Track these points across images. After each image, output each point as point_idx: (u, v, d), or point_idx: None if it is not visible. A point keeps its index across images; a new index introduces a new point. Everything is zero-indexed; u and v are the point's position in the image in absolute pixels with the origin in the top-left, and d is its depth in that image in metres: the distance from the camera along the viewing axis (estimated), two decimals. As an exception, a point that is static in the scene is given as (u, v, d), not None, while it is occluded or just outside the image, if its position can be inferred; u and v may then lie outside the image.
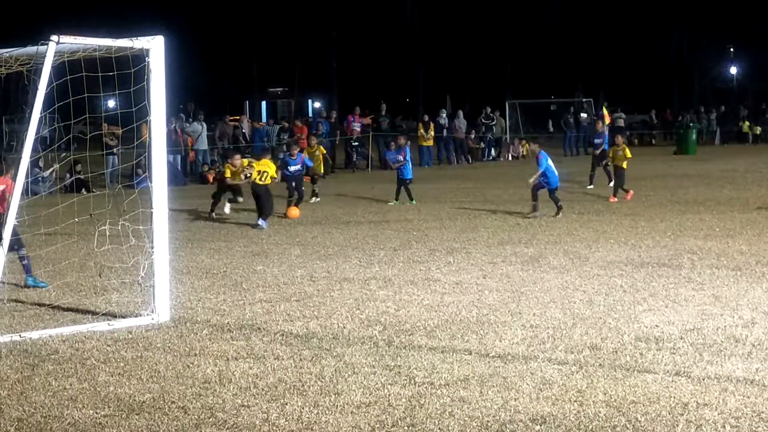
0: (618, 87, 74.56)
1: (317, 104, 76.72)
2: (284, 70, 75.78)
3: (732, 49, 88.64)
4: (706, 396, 7.63)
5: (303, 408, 7.62)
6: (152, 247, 10.84)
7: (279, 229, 19.03)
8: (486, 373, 8.43)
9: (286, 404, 7.72)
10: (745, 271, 13.28)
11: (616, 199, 23.15)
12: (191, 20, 66.94)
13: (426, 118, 43.72)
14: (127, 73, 10.76)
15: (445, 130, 44.53)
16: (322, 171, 29.15)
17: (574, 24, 76.94)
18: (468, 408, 7.52)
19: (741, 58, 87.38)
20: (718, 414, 7.20)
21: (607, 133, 34.01)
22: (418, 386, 8.10)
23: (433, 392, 7.93)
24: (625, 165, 24.22)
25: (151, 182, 10.81)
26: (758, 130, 60.27)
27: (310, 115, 67.07)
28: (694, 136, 50.41)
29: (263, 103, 77.39)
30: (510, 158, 46.76)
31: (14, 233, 10.88)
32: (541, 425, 7.11)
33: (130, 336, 10.07)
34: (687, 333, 9.74)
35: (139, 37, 10.61)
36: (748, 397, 7.55)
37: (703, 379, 8.08)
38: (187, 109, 40.67)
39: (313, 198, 24.57)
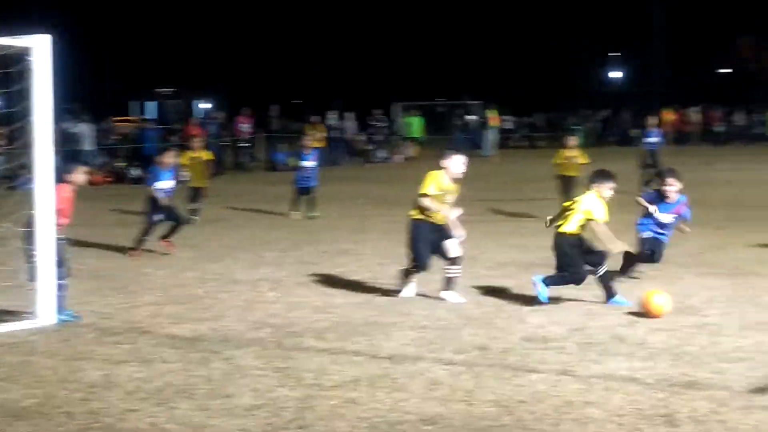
0: (506, 90, 75.38)
1: (206, 105, 76.05)
2: (173, 70, 75.00)
3: (617, 54, 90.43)
4: (591, 394, 7.77)
5: (191, 411, 7.55)
6: (35, 250, 10.61)
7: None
8: (375, 375, 8.46)
9: (174, 408, 7.64)
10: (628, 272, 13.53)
11: None
12: (77, 19, 65.80)
13: (315, 119, 43.67)
14: (13, 71, 10.52)
15: (334, 132, 44.54)
16: (205, 184, 21.12)
17: (464, 27, 77.61)
18: (358, 409, 7.54)
19: (625, 62, 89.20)
20: (602, 412, 7.34)
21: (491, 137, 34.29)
22: (308, 388, 8.09)
23: (323, 394, 7.93)
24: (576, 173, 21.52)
25: (34, 183, 10.59)
26: (639, 133, 61.59)
27: (199, 116, 66.46)
28: (582, 139, 51.20)
29: (151, 104, 76.40)
30: (400, 159, 46.94)
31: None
32: (430, 425, 7.16)
33: (13, 340, 9.87)
34: (573, 333, 9.91)
35: (23, 36, 10.39)
36: (631, 395, 7.71)
37: (588, 378, 8.23)
38: (72, 110, 39.93)
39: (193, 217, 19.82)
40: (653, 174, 26.05)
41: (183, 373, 8.60)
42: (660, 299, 10.54)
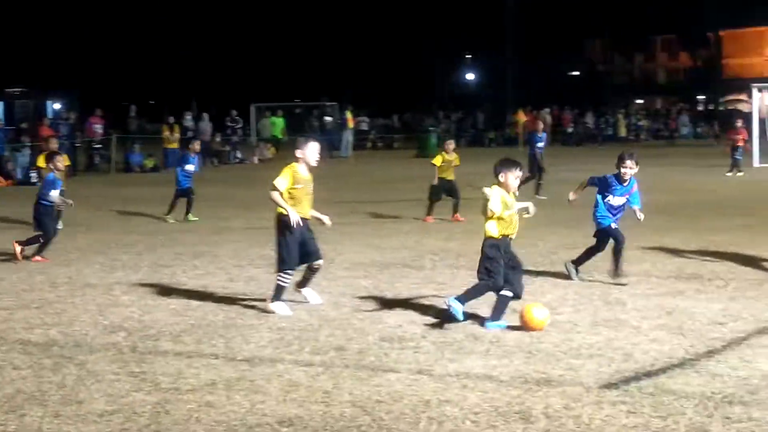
0: (362, 92, 75.76)
1: (57, 105, 74.39)
2: (23, 69, 73.11)
3: (469, 57, 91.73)
4: (447, 393, 7.85)
5: (43, 418, 7.37)
6: None
7: (17, 235, 18.33)
8: (233, 377, 8.40)
9: (25, 415, 7.45)
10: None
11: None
12: None
13: (171, 119, 43.15)
14: None
15: (190, 132, 44.08)
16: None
17: (320, 28, 77.66)
18: (215, 413, 7.47)
19: (479, 65, 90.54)
20: (459, 410, 7.42)
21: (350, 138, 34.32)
22: (164, 392, 7.98)
23: (179, 398, 7.83)
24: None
25: None
26: (492, 134, 62.77)
27: (50, 116, 64.94)
28: (434, 140, 51.78)
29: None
30: (257, 161, 46.76)
31: None
32: (288, 427, 7.14)
33: None
34: (429, 332, 9.99)
35: None
36: (487, 393, 7.81)
37: (445, 377, 8.31)
38: None
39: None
40: (537, 177, 26.39)
41: (34, 380, 8.39)
42: (538, 312, 10.19)
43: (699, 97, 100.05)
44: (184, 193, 21.23)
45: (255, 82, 75.36)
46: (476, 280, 10.39)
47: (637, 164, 12.93)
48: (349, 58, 79.36)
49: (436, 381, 8.19)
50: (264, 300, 11.40)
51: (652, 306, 11.11)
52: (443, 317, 10.34)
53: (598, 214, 13.01)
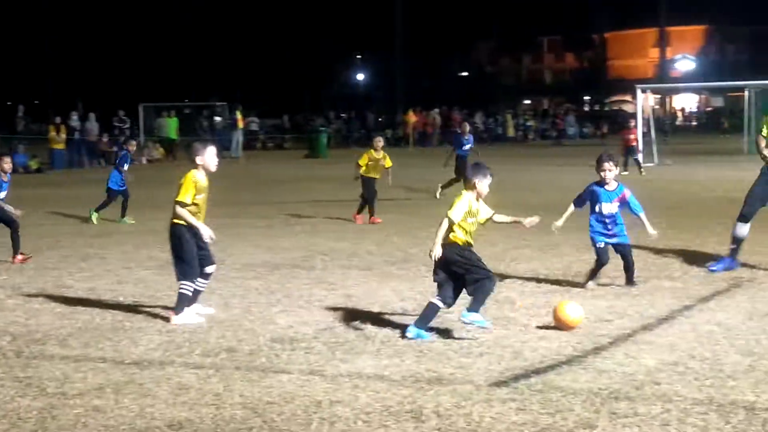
0: (252, 92, 75.40)
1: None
2: None
3: (359, 57, 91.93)
4: (339, 393, 7.85)
5: (-76, 427, 7.17)
6: None
7: None
8: (121, 381, 8.28)
9: None
10: (374, 271, 13.79)
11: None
12: None
13: (57, 120, 42.41)
14: None
15: (77, 133, 43.39)
16: None
17: (208, 28, 77.05)
18: (102, 417, 7.36)
19: (369, 65, 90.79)
20: (350, 410, 7.42)
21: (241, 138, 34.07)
22: (50, 397, 7.83)
23: (66, 403, 7.69)
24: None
25: None
26: (389, 134, 63.10)
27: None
28: (324, 140, 51.86)
29: None
30: (145, 162, 46.22)
31: None
32: (177, 431, 7.06)
33: None
34: (320, 332, 9.98)
35: None
36: (378, 393, 7.83)
37: (336, 377, 8.31)
38: None
39: None
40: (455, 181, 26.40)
41: None
42: (572, 310, 10.02)
43: (585, 97, 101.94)
44: (124, 194, 20.75)
45: (143, 81, 74.40)
46: (368, 281, 10.38)
47: (616, 165, 12.57)
48: (238, 58, 78.84)
49: (328, 381, 8.18)
50: (168, 308, 11.25)
51: (540, 304, 11.25)
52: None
53: (591, 232, 12.49)
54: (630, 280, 12.40)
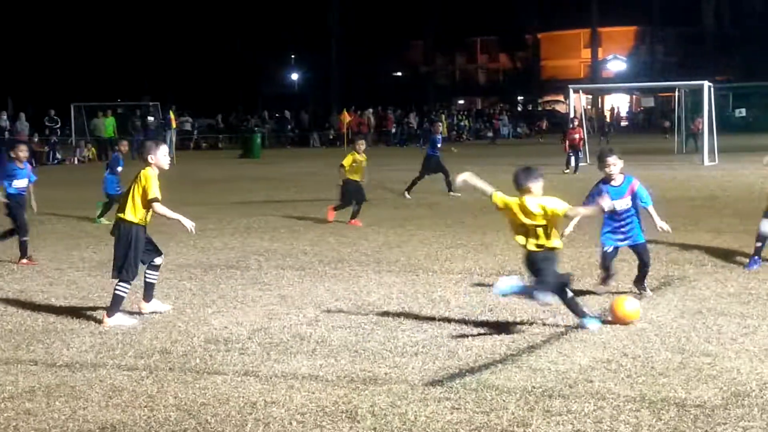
0: (185, 91, 74.89)
1: None
2: None
3: (294, 57, 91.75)
4: (274, 394, 7.82)
5: None
6: None
7: None
8: (53, 383, 8.18)
9: None
10: (308, 271, 13.77)
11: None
12: None
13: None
14: None
15: (6, 133, 42.83)
16: None
17: (141, 27, 76.41)
18: (34, 420, 7.26)
19: (304, 65, 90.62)
20: (285, 411, 7.40)
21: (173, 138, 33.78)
22: (-20, 401, 7.72)
23: (-4, 406, 7.59)
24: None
25: None
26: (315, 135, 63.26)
27: None
28: (259, 140, 51.73)
29: None
30: (76, 162, 45.77)
31: None
32: (110, 433, 7.00)
33: None
34: (255, 333, 9.94)
35: None
36: (313, 393, 7.82)
37: (271, 378, 8.28)
38: None
39: None
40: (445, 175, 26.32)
41: None
42: (630, 305, 10.05)
43: (518, 97, 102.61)
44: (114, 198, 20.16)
45: (74, 81, 73.52)
46: (302, 281, 10.34)
47: (620, 158, 11.60)
48: (171, 57, 78.25)
49: (263, 382, 8.15)
50: (101, 310, 11.13)
51: (474, 303, 11.30)
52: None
53: (602, 234, 11.70)
54: (640, 281, 11.74)
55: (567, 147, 35.60)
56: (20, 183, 15.32)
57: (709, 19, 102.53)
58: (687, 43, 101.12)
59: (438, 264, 14.28)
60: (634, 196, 11.41)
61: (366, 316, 10.67)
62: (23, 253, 14.91)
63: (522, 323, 10.18)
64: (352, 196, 19.67)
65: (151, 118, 53.78)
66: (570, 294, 9.99)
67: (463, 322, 10.34)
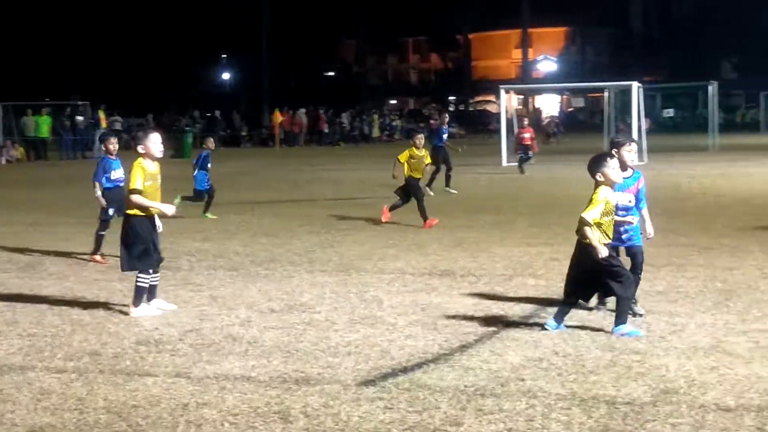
0: (115, 90, 74.14)
1: None
2: None
3: (225, 56, 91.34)
4: (206, 395, 7.77)
5: None
6: None
7: None
8: (-20, 387, 8.06)
9: None
10: (241, 271, 13.71)
11: None
12: None
13: None
14: None
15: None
16: None
17: (70, 25, 75.55)
18: (-40, 425, 7.15)
19: (235, 64, 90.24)
20: (217, 412, 7.36)
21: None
22: None
23: None
24: None
25: None
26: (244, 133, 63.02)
27: None
28: (190, 140, 51.45)
29: None
30: (4, 162, 45.14)
31: None
32: (39, 437, 6.91)
33: None
34: (186, 334, 9.87)
35: None
36: (246, 394, 7.78)
37: (203, 379, 8.22)
38: None
39: None
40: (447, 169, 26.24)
41: None
42: None
43: (450, 97, 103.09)
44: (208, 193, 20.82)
45: (1, 79, 72.47)
46: (235, 282, 10.29)
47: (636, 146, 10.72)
48: (101, 55, 77.47)
49: (194, 384, 8.10)
50: (27, 312, 10.97)
51: (407, 303, 11.32)
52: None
53: None
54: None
55: (517, 147, 35.47)
56: (116, 174, 15.09)
57: (637, 21, 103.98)
58: (615, 44, 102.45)
59: (371, 264, 14.29)
60: (637, 194, 10.48)
61: (298, 317, 10.64)
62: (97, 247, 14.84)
63: (454, 322, 10.21)
64: (411, 194, 18.86)
65: (80, 118, 53.16)
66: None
67: (396, 321, 10.35)
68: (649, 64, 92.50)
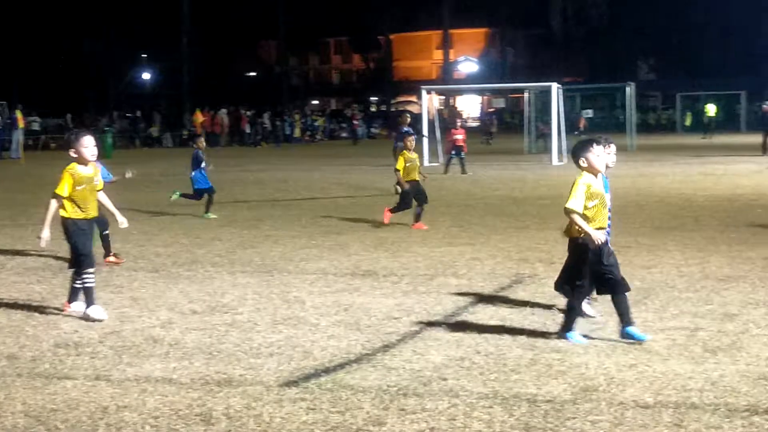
0: (32, 90, 73.10)
1: None
2: None
3: (145, 56, 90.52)
4: (126, 398, 7.69)
5: None
6: None
7: None
8: None
9: None
10: (162, 273, 13.60)
11: None
12: None
13: None
14: None
15: None
16: None
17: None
18: None
19: (155, 64, 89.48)
20: (138, 415, 7.29)
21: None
22: None
23: None
24: None
25: None
26: (156, 133, 62.39)
27: None
28: (110, 140, 50.92)
29: None
30: None
31: None
32: (-45, 442, 6.79)
33: None
34: (107, 336, 9.76)
35: None
36: (167, 396, 7.72)
37: (123, 382, 8.14)
38: None
39: None
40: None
41: None
42: None
43: (372, 98, 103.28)
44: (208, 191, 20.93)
45: None
46: (156, 283, 10.20)
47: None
48: (17, 55, 76.30)
49: (114, 386, 8.01)
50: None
51: (329, 303, 11.32)
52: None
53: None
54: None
55: (449, 148, 35.39)
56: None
57: (556, 22, 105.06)
58: (535, 45, 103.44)
59: (293, 264, 14.26)
60: None
61: (220, 318, 10.58)
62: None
63: (377, 322, 10.23)
64: (413, 197, 18.49)
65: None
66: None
67: (319, 322, 10.34)
68: (568, 65, 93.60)
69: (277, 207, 22.38)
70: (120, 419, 7.20)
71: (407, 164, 18.56)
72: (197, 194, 20.96)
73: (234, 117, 67.38)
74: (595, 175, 9.34)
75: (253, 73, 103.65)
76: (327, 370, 8.40)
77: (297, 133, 70.54)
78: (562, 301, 10.45)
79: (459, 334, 9.62)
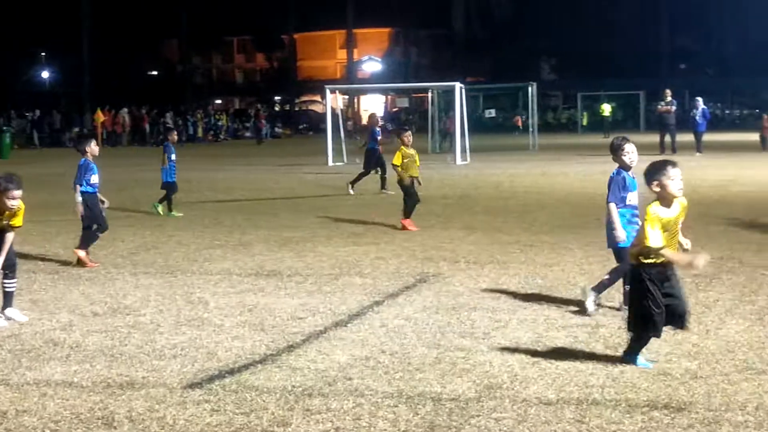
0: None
1: None
2: None
3: (44, 55, 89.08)
4: (26, 402, 7.56)
5: None
6: None
7: None
8: None
9: None
10: (62, 275, 13.40)
11: None
12: None
13: None
14: None
15: None
16: None
17: None
18: None
19: (55, 62, 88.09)
20: (38, 419, 7.16)
21: None
22: None
23: None
24: None
25: None
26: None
27: None
28: (8, 140, 50.07)
29: None
30: None
31: None
32: None
33: None
34: (5, 340, 9.58)
35: None
36: (68, 400, 7.60)
37: (22, 386, 7.99)
38: None
39: None
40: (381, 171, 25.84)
41: None
42: None
43: (275, 97, 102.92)
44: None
45: None
46: (56, 285, 10.03)
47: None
48: None
49: (13, 390, 7.86)
50: None
51: (234, 304, 11.25)
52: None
53: (617, 228, 10.15)
54: (605, 288, 10.53)
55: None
56: (95, 179, 14.75)
57: (459, 22, 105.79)
58: (439, 44, 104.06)
59: (196, 265, 14.15)
60: None
61: (122, 320, 10.46)
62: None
63: (281, 323, 10.20)
64: (415, 192, 18.26)
65: None
66: None
67: (223, 323, 10.28)
68: (471, 65, 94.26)
69: (181, 207, 22.16)
70: (19, 424, 7.07)
71: (405, 160, 18.21)
72: (168, 187, 21.18)
73: (135, 116, 66.64)
74: (669, 205, 8.14)
75: (155, 72, 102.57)
76: (231, 371, 8.35)
77: (200, 132, 70.01)
78: (462, 300, 10.50)
79: (364, 334, 9.63)
